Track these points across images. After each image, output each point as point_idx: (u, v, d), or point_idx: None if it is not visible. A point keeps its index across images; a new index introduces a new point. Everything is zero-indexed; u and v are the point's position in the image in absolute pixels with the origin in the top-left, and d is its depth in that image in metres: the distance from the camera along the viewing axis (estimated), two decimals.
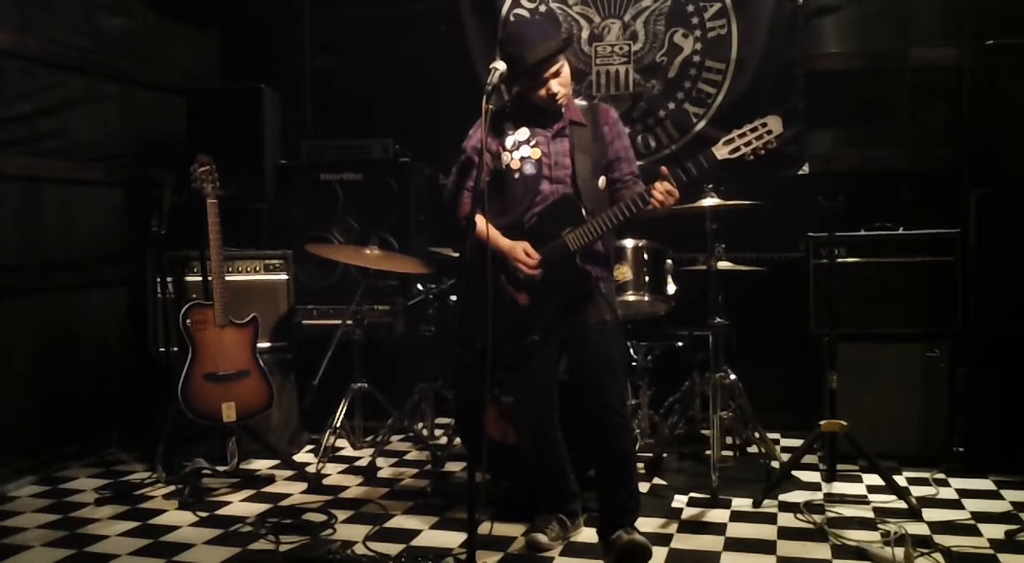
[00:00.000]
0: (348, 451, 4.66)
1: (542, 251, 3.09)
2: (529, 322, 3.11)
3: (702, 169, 2.99)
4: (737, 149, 2.99)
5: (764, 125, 2.99)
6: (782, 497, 3.79)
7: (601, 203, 3.15)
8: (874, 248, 4.31)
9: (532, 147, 3.18)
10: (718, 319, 3.97)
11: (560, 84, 3.11)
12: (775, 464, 4.03)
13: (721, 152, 2.99)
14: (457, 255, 4.12)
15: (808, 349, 4.38)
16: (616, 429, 3.12)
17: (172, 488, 3.98)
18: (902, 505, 3.61)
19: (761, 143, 2.98)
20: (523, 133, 3.19)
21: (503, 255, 3.10)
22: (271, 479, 4.17)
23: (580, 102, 3.29)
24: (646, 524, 3.34)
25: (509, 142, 3.19)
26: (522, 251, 3.09)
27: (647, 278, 4.11)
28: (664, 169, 3.02)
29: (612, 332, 3.17)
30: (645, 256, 4.11)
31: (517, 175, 3.17)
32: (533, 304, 3.11)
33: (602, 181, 3.21)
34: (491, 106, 2.78)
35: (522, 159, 3.17)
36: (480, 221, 2.99)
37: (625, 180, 3.23)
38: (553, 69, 3.08)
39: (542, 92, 3.10)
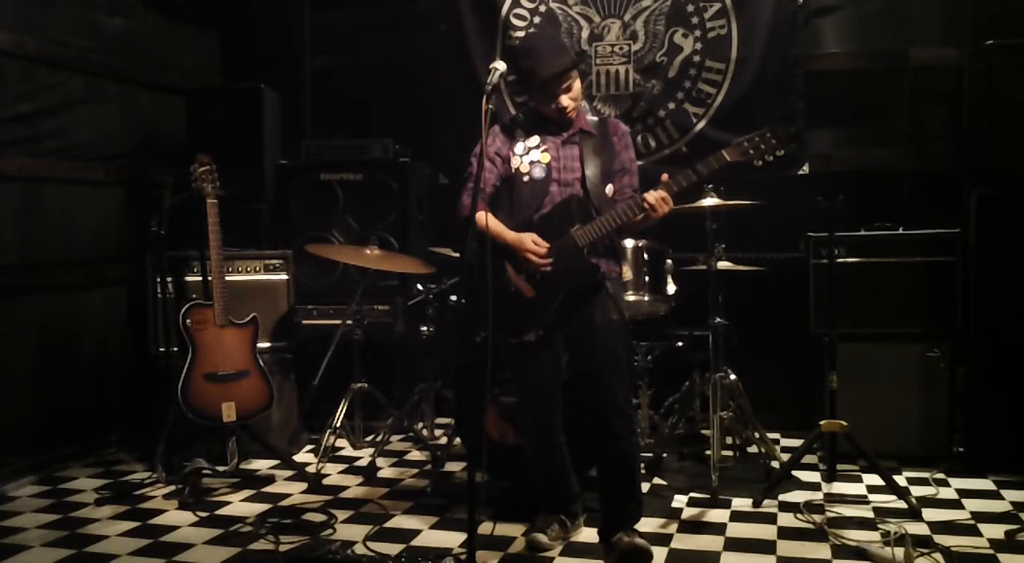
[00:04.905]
0: (348, 451, 4.66)
1: (551, 245, 3.10)
2: (535, 314, 3.11)
3: (712, 170, 3.04)
4: (746, 153, 3.04)
5: (774, 132, 3.04)
6: (782, 497, 3.79)
7: (608, 209, 3.16)
8: (874, 248, 4.31)
9: (542, 152, 3.20)
10: (718, 319, 3.97)
11: (571, 98, 3.15)
12: (775, 464, 4.04)
13: (732, 154, 3.04)
14: (458, 254, 4.13)
15: (808, 349, 4.37)
16: (621, 432, 3.12)
17: (172, 488, 3.98)
18: (902, 505, 3.61)
19: (769, 149, 3.03)
20: (533, 139, 3.23)
21: (511, 248, 3.11)
22: (271, 479, 4.17)
23: (591, 117, 3.32)
24: (646, 524, 3.34)
25: (519, 147, 3.23)
26: (531, 241, 3.09)
27: (647, 278, 4.11)
28: (665, 176, 3.06)
29: (619, 332, 3.17)
30: (645, 256, 4.11)
31: (526, 178, 3.19)
32: (540, 296, 3.12)
33: (609, 188, 3.24)
34: (491, 106, 2.79)
35: (531, 163, 3.20)
36: (481, 215, 3.00)
37: (623, 192, 3.26)
38: (565, 84, 3.11)
39: (552, 105, 3.14)
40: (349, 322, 4.53)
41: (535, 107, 3.25)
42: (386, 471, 4.33)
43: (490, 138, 3.16)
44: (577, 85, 3.17)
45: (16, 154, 4.28)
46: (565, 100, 3.13)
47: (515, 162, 3.21)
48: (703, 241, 3.96)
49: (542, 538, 3.24)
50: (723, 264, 4.03)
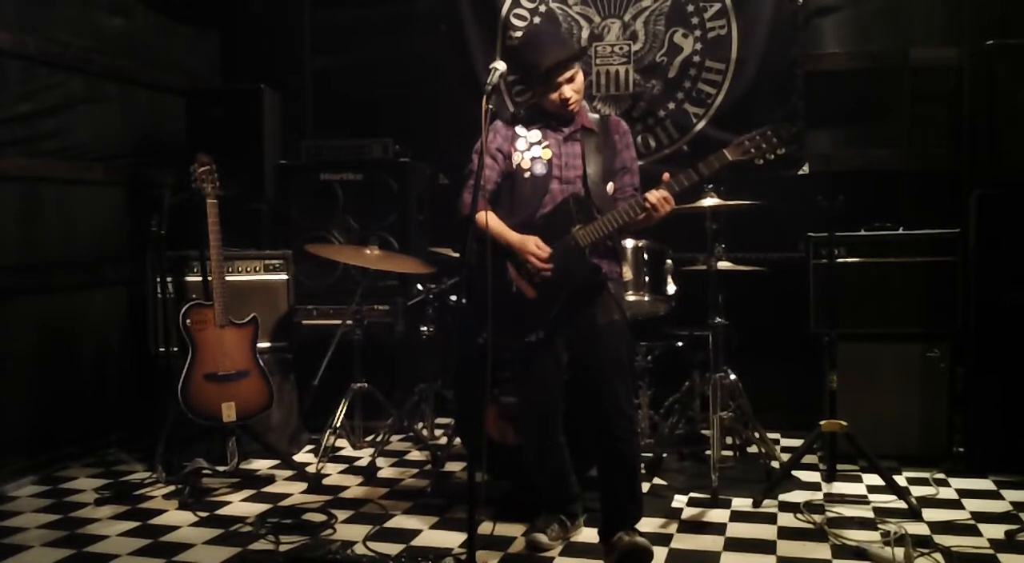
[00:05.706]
0: (348, 451, 4.66)
1: (553, 246, 3.09)
2: (537, 315, 3.11)
3: (713, 169, 3.03)
4: (747, 152, 3.04)
5: (775, 131, 3.04)
6: (782, 497, 3.79)
7: (609, 207, 3.16)
8: (874, 248, 4.31)
9: (543, 148, 3.20)
10: (718, 319, 3.97)
11: (573, 89, 3.14)
12: (775, 464, 4.04)
13: (733, 153, 3.04)
14: (458, 254, 4.12)
15: (808, 349, 4.37)
16: (622, 432, 3.11)
17: (172, 488, 3.98)
18: (902, 505, 3.61)
19: (770, 148, 3.03)
20: (535, 135, 3.22)
21: (513, 249, 3.10)
22: (271, 479, 4.17)
23: (592, 116, 3.32)
24: (646, 524, 3.34)
25: (521, 144, 3.22)
26: (533, 245, 3.08)
27: (647, 278, 4.11)
28: (666, 176, 3.05)
29: (621, 332, 3.17)
30: (645, 256, 4.11)
31: (527, 175, 3.19)
32: (542, 297, 3.11)
33: (610, 187, 3.24)
34: (491, 106, 2.79)
35: (532, 159, 3.19)
36: (481, 215, 3.00)
37: (624, 190, 3.26)
38: (567, 74, 3.11)
39: (555, 96, 3.14)
40: (349, 322, 4.52)
41: (537, 102, 3.24)
42: (386, 471, 4.33)
43: (491, 134, 3.16)
44: (580, 77, 3.16)
45: (16, 154, 4.28)
46: (568, 91, 3.12)
47: (516, 158, 3.21)
48: (703, 241, 3.96)
49: (542, 538, 3.24)
50: (723, 264, 4.03)
